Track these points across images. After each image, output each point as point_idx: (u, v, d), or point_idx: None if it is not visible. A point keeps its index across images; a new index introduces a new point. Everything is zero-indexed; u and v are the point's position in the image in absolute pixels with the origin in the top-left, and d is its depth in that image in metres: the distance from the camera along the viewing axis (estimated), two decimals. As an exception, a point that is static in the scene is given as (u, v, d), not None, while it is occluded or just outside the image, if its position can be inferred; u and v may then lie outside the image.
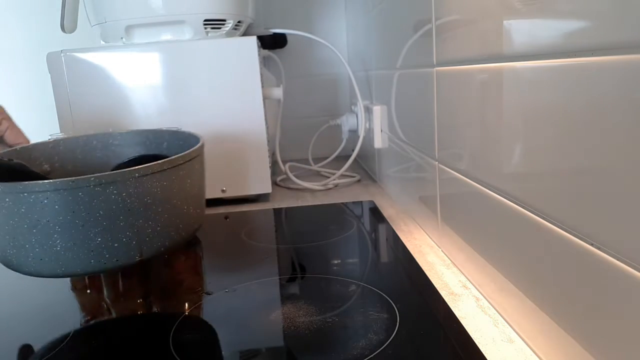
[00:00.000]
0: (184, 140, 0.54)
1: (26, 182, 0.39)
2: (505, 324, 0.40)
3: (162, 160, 0.42)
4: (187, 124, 0.77)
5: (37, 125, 1.23)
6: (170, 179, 0.43)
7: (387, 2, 0.73)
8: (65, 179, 0.39)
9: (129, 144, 0.58)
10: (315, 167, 1.08)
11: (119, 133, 0.58)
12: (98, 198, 0.39)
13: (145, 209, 0.41)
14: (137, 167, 0.41)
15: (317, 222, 0.70)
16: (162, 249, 0.43)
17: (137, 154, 0.57)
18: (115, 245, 0.41)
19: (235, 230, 0.69)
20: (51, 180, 0.39)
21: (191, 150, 0.46)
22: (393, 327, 0.39)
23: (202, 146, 0.47)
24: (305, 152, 1.16)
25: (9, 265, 0.43)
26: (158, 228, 0.43)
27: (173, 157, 0.43)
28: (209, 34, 0.80)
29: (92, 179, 0.39)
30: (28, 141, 0.60)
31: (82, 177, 0.39)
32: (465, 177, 0.46)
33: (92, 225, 0.40)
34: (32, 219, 0.39)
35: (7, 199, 0.39)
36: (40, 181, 0.39)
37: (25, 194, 0.38)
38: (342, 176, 0.97)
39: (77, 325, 0.44)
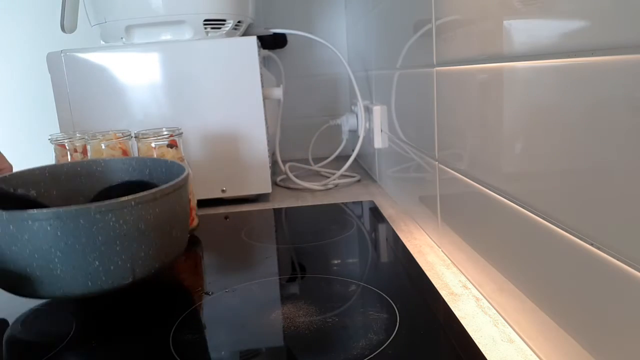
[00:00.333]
0: (167, 168, 0.57)
1: (30, 210, 0.40)
2: (505, 324, 0.40)
3: (155, 190, 0.45)
4: (187, 124, 0.77)
5: (37, 125, 1.23)
6: (161, 206, 0.46)
7: (387, 2, 0.73)
8: (68, 207, 0.41)
9: (112, 171, 0.61)
10: (315, 167, 1.07)
11: (102, 160, 0.61)
12: (98, 224, 0.42)
13: (139, 234, 0.44)
14: (133, 196, 0.43)
15: (317, 222, 0.70)
16: (152, 270, 0.46)
17: (120, 180, 0.60)
18: (111, 268, 0.43)
19: (235, 230, 0.69)
20: (54, 209, 0.41)
21: (179, 179, 0.49)
22: (393, 327, 0.39)
23: (188, 175, 0.52)
24: (305, 152, 1.16)
25: (7, 289, 0.44)
26: (150, 252, 0.45)
27: (164, 186, 0.46)
28: (209, 34, 0.80)
29: (94, 207, 0.41)
30: (11, 166, 0.62)
31: (83, 205, 0.41)
32: (465, 177, 0.46)
33: (91, 250, 0.42)
34: (34, 245, 0.41)
35: (10, 226, 0.41)
36: (45, 209, 0.41)
37: (30, 222, 0.40)
38: (342, 176, 0.97)
39: (77, 325, 0.44)
